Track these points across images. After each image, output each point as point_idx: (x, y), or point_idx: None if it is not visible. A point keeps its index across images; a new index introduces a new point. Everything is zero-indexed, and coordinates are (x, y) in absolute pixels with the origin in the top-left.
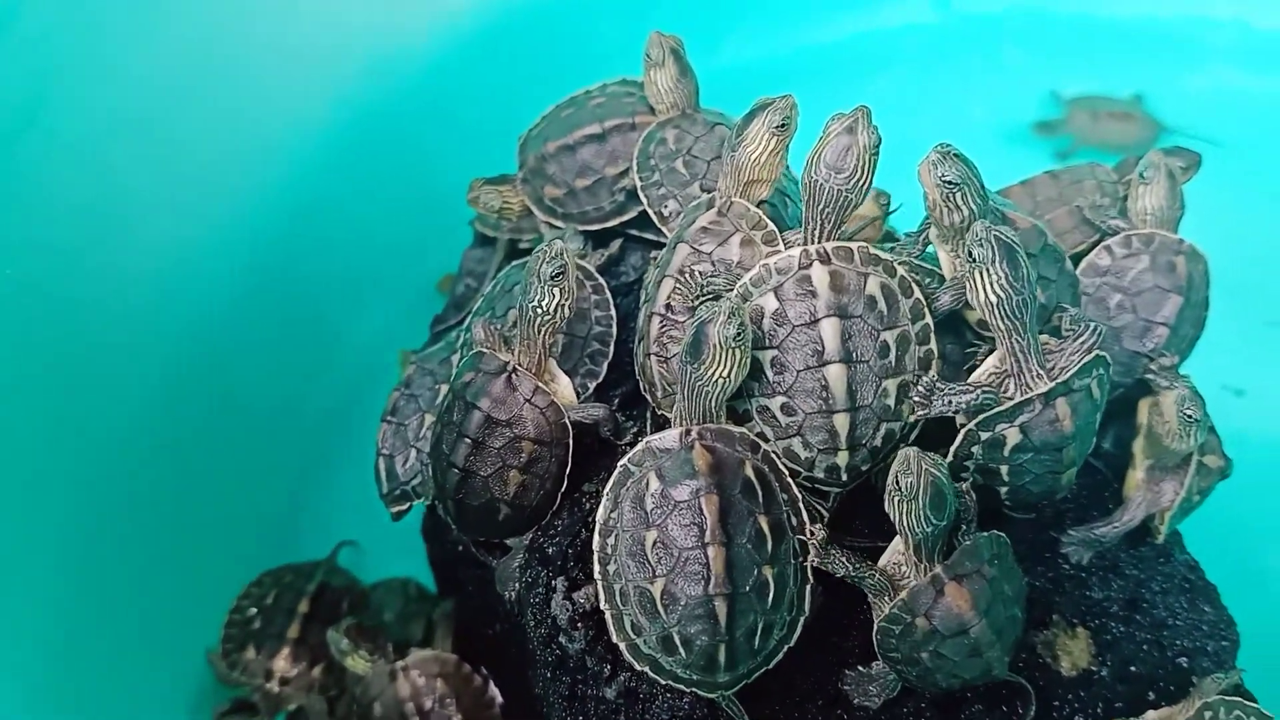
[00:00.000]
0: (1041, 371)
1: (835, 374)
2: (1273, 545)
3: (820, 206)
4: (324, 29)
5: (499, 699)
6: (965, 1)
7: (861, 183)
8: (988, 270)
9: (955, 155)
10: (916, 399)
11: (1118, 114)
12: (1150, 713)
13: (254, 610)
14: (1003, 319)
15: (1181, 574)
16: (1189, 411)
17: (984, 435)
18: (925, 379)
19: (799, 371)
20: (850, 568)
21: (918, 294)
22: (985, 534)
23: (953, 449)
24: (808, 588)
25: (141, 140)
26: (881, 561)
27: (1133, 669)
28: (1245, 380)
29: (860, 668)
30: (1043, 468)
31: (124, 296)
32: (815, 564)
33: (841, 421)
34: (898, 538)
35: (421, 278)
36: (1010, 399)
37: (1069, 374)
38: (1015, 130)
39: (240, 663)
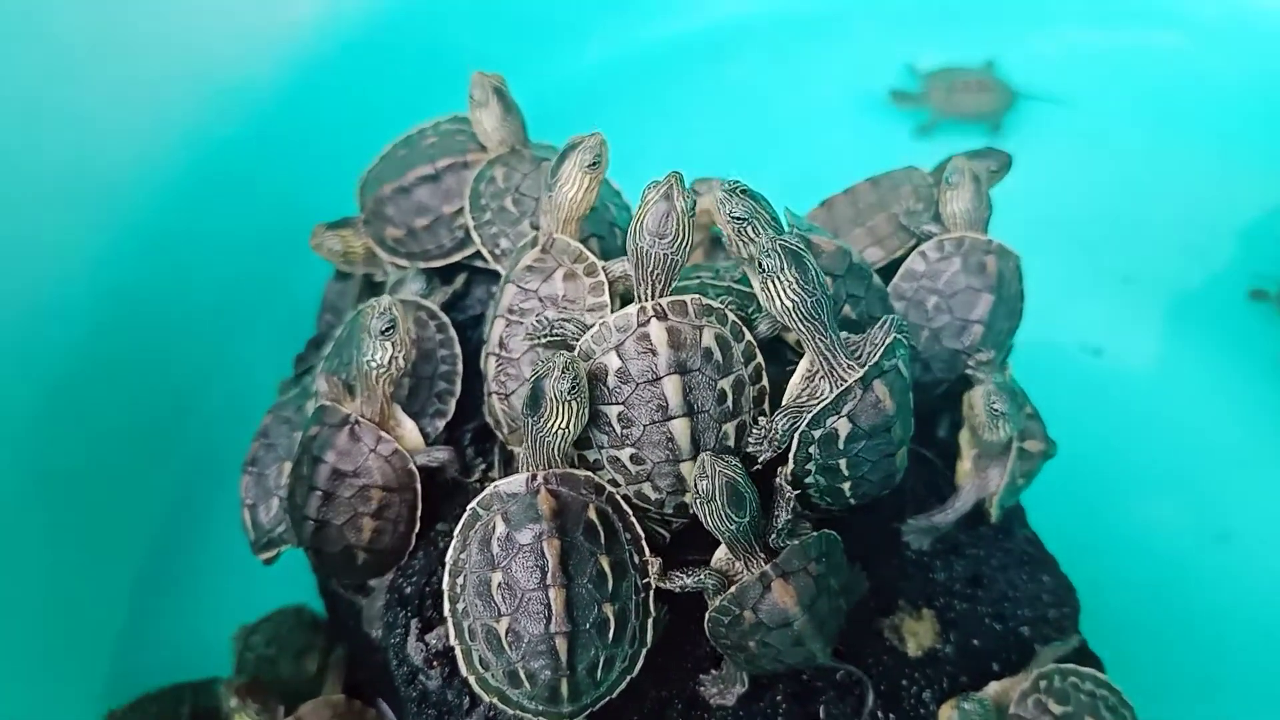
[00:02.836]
0: (850, 363)
1: (680, 428)
2: (1125, 501)
3: (649, 269)
4: (167, 66)
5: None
6: None
7: (684, 244)
8: (779, 278)
9: (742, 191)
10: (751, 449)
11: (972, 84)
12: (992, 684)
13: None
14: (803, 321)
15: (1021, 549)
16: (995, 405)
17: (816, 433)
18: (755, 432)
19: (645, 425)
20: (688, 581)
21: (748, 336)
22: (816, 533)
23: (791, 456)
24: (650, 620)
25: None
26: (714, 561)
27: (975, 643)
28: (1103, 338)
29: (714, 671)
30: (877, 453)
31: None
32: (657, 585)
33: (688, 468)
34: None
35: (290, 307)
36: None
37: (877, 357)
38: (874, 105)
39: None
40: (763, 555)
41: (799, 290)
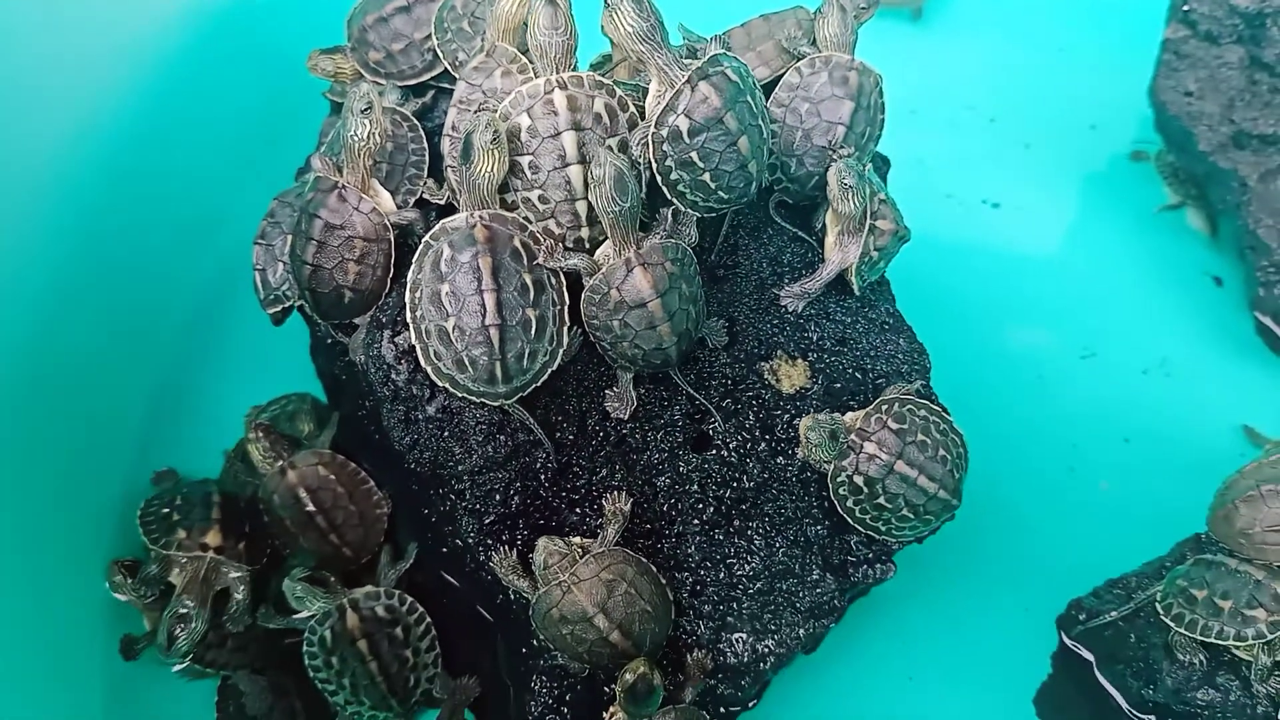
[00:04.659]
0: (684, 73)
1: (575, 173)
2: (1008, 323)
3: (553, 57)
4: None
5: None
6: None
7: (572, 31)
8: (619, 9)
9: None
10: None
11: None
12: (848, 414)
13: (166, 509)
14: (641, 43)
15: (883, 319)
16: (845, 180)
17: (663, 131)
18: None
19: (549, 171)
20: (564, 261)
21: (632, 109)
22: (672, 240)
23: (650, 157)
24: (565, 329)
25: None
26: (596, 255)
27: (838, 385)
28: (1001, 195)
29: (613, 389)
30: (721, 144)
31: None
32: (542, 262)
33: (582, 206)
34: (607, 240)
35: (292, 150)
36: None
37: (701, 64)
38: None
39: (174, 542)
40: (634, 249)
41: (636, 17)
